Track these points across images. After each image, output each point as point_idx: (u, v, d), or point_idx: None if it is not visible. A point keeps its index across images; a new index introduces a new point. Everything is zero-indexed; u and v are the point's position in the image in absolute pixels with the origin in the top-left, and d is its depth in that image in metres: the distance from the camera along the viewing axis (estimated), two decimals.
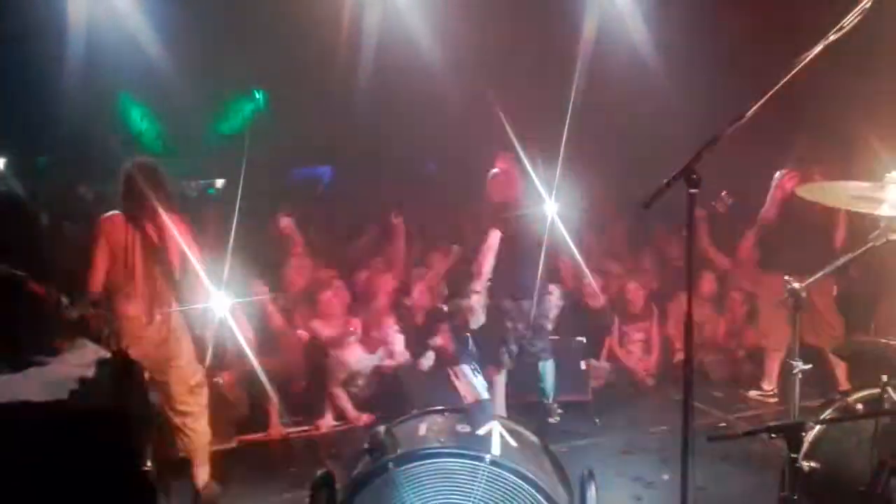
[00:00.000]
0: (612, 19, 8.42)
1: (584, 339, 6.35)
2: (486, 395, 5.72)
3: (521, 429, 2.97)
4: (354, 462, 2.85)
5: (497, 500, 2.55)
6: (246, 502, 4.65)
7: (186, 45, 9.10)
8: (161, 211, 4.28)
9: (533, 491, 2.56)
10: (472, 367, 6.08)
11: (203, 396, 4.52)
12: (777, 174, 5.82)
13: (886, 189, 2.76)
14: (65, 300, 3.87)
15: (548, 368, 5.70)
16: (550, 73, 9.03)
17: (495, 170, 5.59)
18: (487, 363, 5.68)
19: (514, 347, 5.53)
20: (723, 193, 6.70)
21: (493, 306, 5.62)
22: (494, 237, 5.43)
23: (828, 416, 3.33)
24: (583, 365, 6.24)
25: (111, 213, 4.28)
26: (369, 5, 8.50)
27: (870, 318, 5.35)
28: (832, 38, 2.44)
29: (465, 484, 2.56)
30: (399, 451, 2.66)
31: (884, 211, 2.90)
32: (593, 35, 8.68)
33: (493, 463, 2.58)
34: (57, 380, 2.09)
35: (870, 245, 3.36)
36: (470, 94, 8.79)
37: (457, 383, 6.05)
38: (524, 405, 5.65)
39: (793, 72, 2.46)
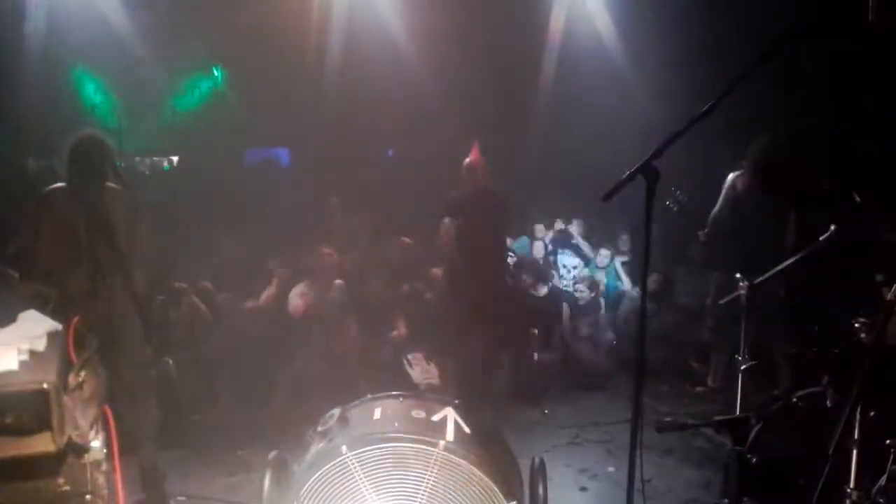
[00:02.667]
0: (580, 15, 8.49)
1: (535, 331, 6.42)
2: (438, 381, 5.81)
3: (474, 416, 2.98)
4: (307, 445, 2.83)
5: (449, 486, 2.57)
6: (194, 483, 4.60)
7: (146, 19, 8.91)
8: (108, 185, 4.19)
9: (485, 477, 2.58)
10: (425, 353, 6.15)
11: (150, 375, 4.45)
12: (730, 175, 5.93)
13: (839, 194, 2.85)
14: (13, 273, 3.79)
15: (501, 356, 5.76)
16: (516, 65, 9.10)
17: (467, 160, 5.79)
18: (443, 349, 5.73)
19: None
20: (677, 192, 6.80)
21: (452, 293, 5.67)
22: (451, 225, 5.55)
23: (771, 412, 3.42)
24: (535, 355, 6.30)
25: (56, 185, 4.18)
26: None
27: (813, 320, 5.50)
28: (788, 41, 2.49)
29: (418, 469, 2.57)
30: (353, 435, 2.66)
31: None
32: (560, 28, 8.75)
33: (447, 449, 2.59)
34: (5, 351, 2.04)
35: (818, 246, 3.47)
36: (436, 83, 8.79)
37: (410, 371, 6.11)
38: (476, 393, 5.68)
39: (750, 70, 2.51)
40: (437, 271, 6.52)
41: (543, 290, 6.81)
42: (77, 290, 4.08)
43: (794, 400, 3.44)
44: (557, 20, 8.80)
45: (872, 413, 2.74)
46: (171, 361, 5.42)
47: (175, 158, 11.78)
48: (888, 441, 2.80)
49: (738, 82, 2.43)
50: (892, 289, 2.67)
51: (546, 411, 5.89)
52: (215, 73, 11.25)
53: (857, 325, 2.91)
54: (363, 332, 6.18)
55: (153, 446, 4.44)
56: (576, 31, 8.65)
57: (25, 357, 2.09)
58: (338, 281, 6.09)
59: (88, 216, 4.10)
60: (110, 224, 4.15)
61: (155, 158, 11.63)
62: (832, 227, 3.23)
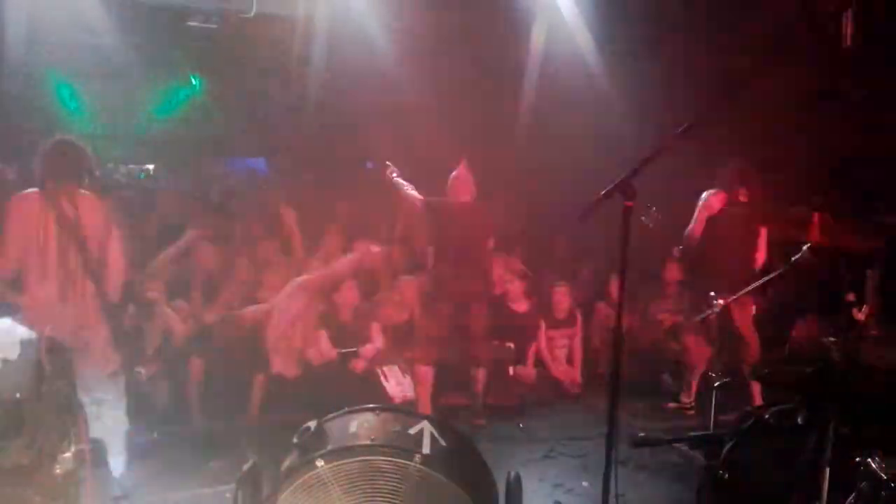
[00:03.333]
0: (561, 33, 8.56)
1: (512, 345, 6.44)
2: (412, 394, 5.81)
3: (450, 429, 2.98)
4: (282, 457, 2.81)
5: (425, 499, 2.56)
6: (166, 494, 4.53)
7: (124, 26, 8.85)
8: (80, 191, 4.15)
9: (461, 491, 2.58)
10: (401, 366, 6.15)
11: (120, 385, 4.40)
12: (704, 193, 6.00)
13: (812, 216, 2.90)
14: None
15: (478, 371, 5.77)
16: (497, 83, 9.15)
17: (454, 173, 5.86)
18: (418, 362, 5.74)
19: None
20: (652, 209, 6.87)
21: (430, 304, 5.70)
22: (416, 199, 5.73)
23: (744, 429, 3.46)
24: (511, 370, 6.32)
25: (27, 190, 4.14)
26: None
27: (785, 338, 5.58)
28: (767, 64, 2.55)
29: (395, 482, 2.56)
30: (329, 448, 2.64)
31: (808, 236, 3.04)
32: (541, 45, 8.82)
33: (423, 462, 2.59)
34: None
35: (789, 267, 3.53)
36: (417, 95, 8.81)
37: (385, 383, 6.11)
38: (452, 407, 5.69)
39: (728, 92, 2.56)
40: (409, 279, 6.52)
41: (524, 306, 6.83)
42: (47, 298, 4.03)
43: (767, 417, 3.49)
44: (538, 37, 8.87)
45: (843, 430, 2.79)
46: (142, 371, 5.36)
47: (151, 167, 11.69)
48: (858, 458, 2.84)
49: (712, 110, 2.48)
50: (863, 308, 2.73)
51: (521, 425, 5.89)
52: (193, 81, 11.19)
53: (827, 343, 2.96)
54: (338, 343, 6.15)
55: (123, 457, 4.39)
56: (555, 49, 8.72)
57: None
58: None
59: (60, 223, 4.06)
60: (82, 231, 4.11)
61: (131, 166, 11.53)
62: (804, 248, 3.28)
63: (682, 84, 6.89)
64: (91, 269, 4.14)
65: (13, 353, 2.14)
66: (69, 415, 2.50)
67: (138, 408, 4.90)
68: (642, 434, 5.80)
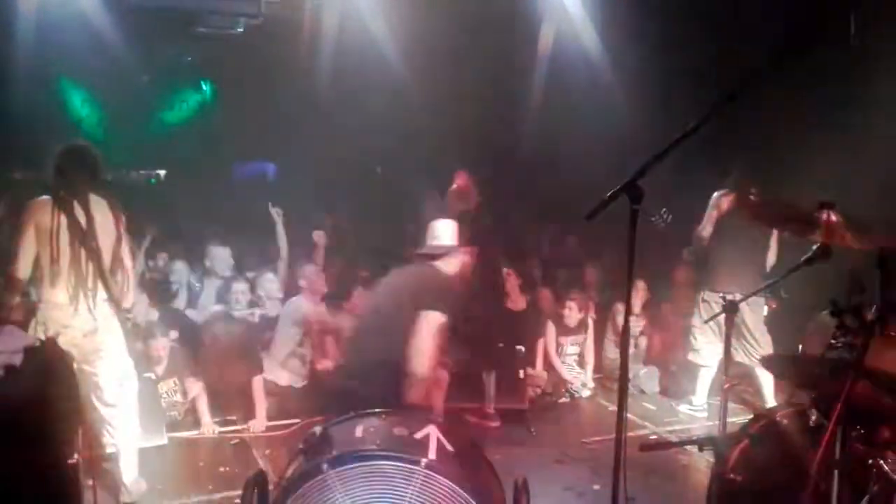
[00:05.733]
0: (568, 34, 8.55)
1: (522, 348, 6.41)
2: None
3: (457, 433, 2.97)
4: (289, 462, 2.80)
5: None
6: (174, 500, 4.54)
7: (134, 32, 8.90)
8: (92, 197, 4.16)
9: (467, 496, 2.56)
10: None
11: (132, 390, 4.42)
12: (714, 194, 5.97)
13: (821, 214, 2.88)
14: None
15: (490, 377, 5.76)
16: (506, 87, 9.15)
17: (454, 186, 5.93)
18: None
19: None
20: (662, 210, 6.86)
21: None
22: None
23: (754, 431, 3.43)
24: (521, 374, 6.29)
25: (40, 197, 4.15)
26: (327, 5, 8.42)
27: (798, 337, 5.53)
28: (775, 63, 2.53)
29: (401, 487, 2.54)
30: (334, 453, 2.63)
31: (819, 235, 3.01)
32: (548, 49, 8.81)
33: (429, 467, 2.57)
34: None
35: (801, 266, 3.49)
36: (426, 100, 8.83)
37: None
38: (462, 410, 5.67)
39: (735, 93, 2.54)
40: None
41: (521, 304, 6.79)
42: (57, 303, 4.04)
43: (778, 418, 3.45)
44: (546, 39, 8.87)
45: (855, 432, 2.76)
46: (153, 375, 5.38)
47: (162, 172, 11.76)
48: (870, 460, 2.81)
49: (721, 106, 2.45)
50: (873, 309, 2.69)
51: (532, 429, 5.86)
52: (204, 86, 11.25)
53: (837, 344, 2.92)
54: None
55: (133, 461, 4.40)
56: (563, 51, 8.71)
57: (0, 373, 2.06)
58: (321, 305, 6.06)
59: (72, 229, 4.08)
60: (94, 237, 4.12)
61: (142, 172, 11.60)
62: (814, 247, 3.25)
63: (691, 84, 6.86)
64: (102, 274, 4.15)
65: (17, 360, 2.15)
66: (76, 421, 2.50)
67: (149, 413, 4.92)
68: (653, 437, 5.78)
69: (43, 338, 2.77)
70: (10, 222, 4.23)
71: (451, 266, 3.92)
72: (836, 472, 2.67)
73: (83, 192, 4.15)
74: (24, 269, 4.03)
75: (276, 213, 6.91)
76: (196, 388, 5.55)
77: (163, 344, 5.44)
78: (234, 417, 5.73)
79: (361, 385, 3.50)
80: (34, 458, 1.97)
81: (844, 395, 2.44)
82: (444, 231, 3.94)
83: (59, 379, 2.42)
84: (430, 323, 3.53)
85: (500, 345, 6.05)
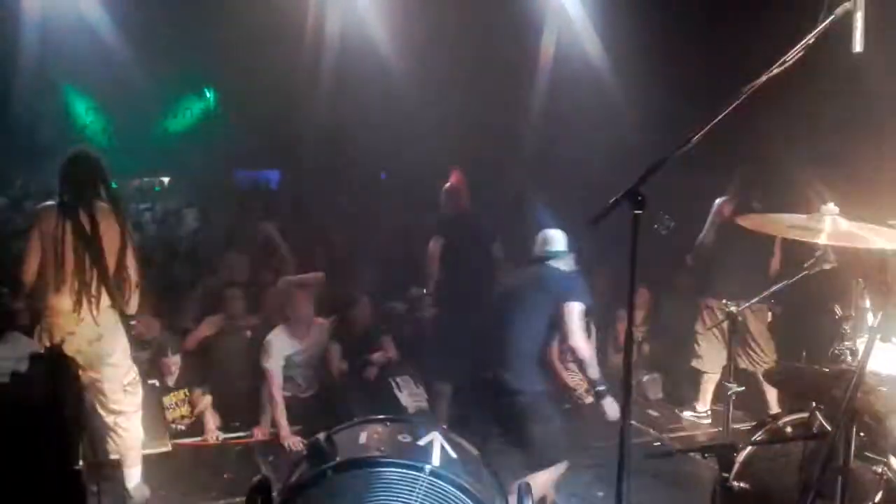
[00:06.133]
0: (570, 39, 8.58)
1: None
2: (425, 405, 5.79)
3: (461, 440, 2.97)
4: (292, 469, 2.80)
5: None
6: None
7: (139, 40, 8.95)
8: (98, 203, 4.18)
9: (471, 503, 2.56)
10: (414, 376, 6.13)
11: (136, 396, 4.42)
12: (717, 200, 5.97)
13: (823, 220, 2.87)
14: (3, 290, 3.77)
15: None
16: (508, 91, 9.17)
17: (448, 184, 5.88)
18: (430, 372, 5.73)
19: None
20: (665, 217, 6.84)
21: (437, 316, 5.69)
22: (436, 247, 5.69)
23: (758, 438, 3.42)
24: None
25: (46, 203, 4.17)
26: (330, 11, 8.46)
27: (801, 346, 5.52)
28: (776, 70, 2.54)
29: (404, 494, 2.54)
30: (338, 459, 2.63)
31: (822, 240, 3.00)
32: (551, 51, 8.84)
33: (433, 473, 2.57)
34: None
35: (804, 273, 3.49)
36: (429, 106, 8.84)
37: (398, 393, 6.09)
38: (463, 416, 5.66)
39: (737, 101, 2.55)
40: (416, 291, 6.56)
41: None
42: (62, 310, 4.05)
43: (782, 425, 3.45)
44: (548, 44, 8.89)
45: (860, 438, 2.75)
46: (156, 383, 5.38)
47: (165, 179, 11.80)
48: (874, 468, 2.80)
49: (725, 113, 2.46)
50: (878, 316, 2.69)
51: None
52: (207, 94, 11.30)
53: (839, 351, 2.93)
54: (349, 354, 6.15)
55: (138, 468, 4.40)
56: (565, 56, 8.73)
57: (5, 380, 2.07)
58: (319, 321, 5.97)
59: (76, 235, 4.09)
60: (99, 243, 4.13)
61: (145, 179, 11.64)
62: (817, 254, 3.25)
63: (693, 90, 6.86)
64: (106, 281, 4.16)
65: (22, 366, 2.15)
66: (78, 430, 2.51)
67: (153, 419, 4.93)
68: (657, 443, 5.77)
69: (48, 344, 2.77)
70: (19, 228, 4.23)
71: (564, 266, 4.39)
72: (839, 479, 2.67)
73: (89, 198, 4.16)
74: (28, 274, 4.04)
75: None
76: (204, 401, 5.54)
77: (174, 361, 5.46)
78: (237, 424, 5.72)
79: (510, 374, 4.08)
80: (40, 464, 1.97)
81: (847, 401, 2.43)
82: (559, 238, 4.42)
83: (65, 385, 2.43)
84: (577, 311, 4.11)
85: None
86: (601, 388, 4.17)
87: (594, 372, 4.20)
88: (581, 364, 4.23)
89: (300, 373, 5.73)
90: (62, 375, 2.36)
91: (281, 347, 5.55)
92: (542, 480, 4.14)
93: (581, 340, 4.13)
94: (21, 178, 8.69)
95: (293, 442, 5.37)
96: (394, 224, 8.38)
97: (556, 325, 4.15)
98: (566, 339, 4.15)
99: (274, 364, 5.48)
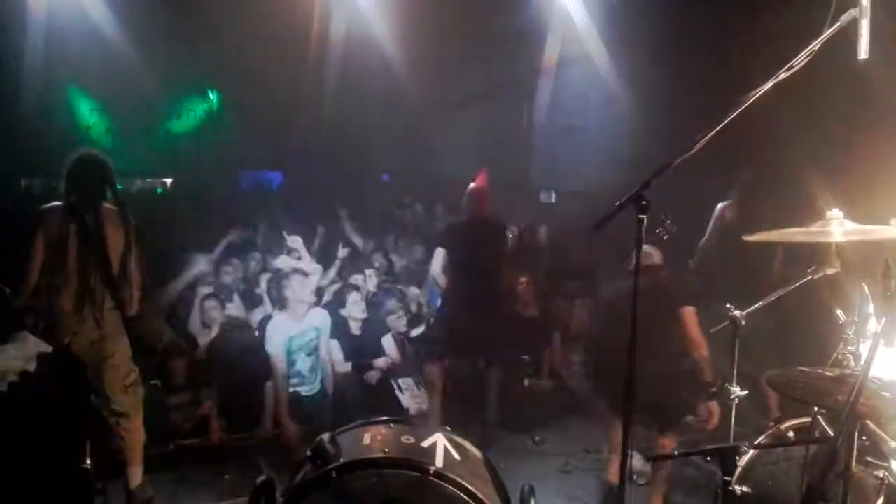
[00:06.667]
0: (574, 45, 8.60)
1: (527, 357, 6.41)
2: (426, 407, 5.80)
3: (464, 442, 2.98)
4: (296, 470, 2.81)
5: None
6: None
7: (142, 41, 8.98)
8: (103, 205, 4.19)
9: None
10: (416, 378, 6.14)
11: (138, 397, 4.42)
12: (718, 205, 5.97)
13: (830, 226, 2.89)
14: (7, 290, 3.78)
15: (493, 382, 5.77)
16: (512, 97, 9.20)
17: (472, 185, 5.84)
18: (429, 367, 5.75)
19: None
20: (667, 221, 6.83)
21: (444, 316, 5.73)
22: (441, 252, 5.68)
23: (761, 442, 3.43)
24: (526, 382, 6.30)
25: (51, 204, 4.18)
26: (335, 14, 8.49)
27: (804, 350, 5.52)
28: (782, 76, 2.55)
29: (409, 495, 2.55)
30: (342, 460, 2.64)
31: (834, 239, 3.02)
32: (555, 57, 8.86)
33: (437, 475, 2.58)
34: None
35: (808, 278, 3.50)
36: (432, 108, 8.86)
37: (400, 395, 6.10)
38: (466, 419, 5.67)
39: (741, 108, 2.56)
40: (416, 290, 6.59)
41: (534, 310, 6.81)
42: (64, 311, 4.06)
43: (784, 429, 3.46)
44: (552, 50, 8.92)
45: (861, 442, 2.76)
46: (158, 383, 5.39)
47: (168, 181, 11.81)
48: (876, 473, 2.81)
49: (728, 120, 2.47)
50: (881, 321, 2.70)
51: (537, 439, 5.86)
52: (210, 95, 11.32)
53: (842, 356, 2.94)
54: (350, 357, 6.16)
55: (140, 468, 4.41)
56: (570, 62, 8.76)
57: (15, 379, 2.08)
58: (320, 310, 6.00)
59: (81, 236, 4.10)
60: (103, 245, 4.14)
61: (148, 180, 11.66)
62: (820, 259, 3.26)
63: (696, 94, 6.88)
64: (110, 283, 4.17)
65: (31, 366, 2.16)
66: (86, 426, 2.52)
67: (155, 420, 4.93)
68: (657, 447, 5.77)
69: (55, 345, 2.78)
70: (25, 229, 4.23)
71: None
72: (842, 483, 2.67)
73: (94, 200, 4.18)
74: (32, 274, 4.05)
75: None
76: (208, 402, 5.55)
77: (181, 364, 5.47)
78: (240, 423, 5.72)
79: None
80: (47, 462, 1.98)
81: (850, 406, 2.44)
82: (654, 252, 4.67)
83: (71, 385, 2.44)
84: (693, 314, 4.52)
85: (504, 353, 6.06)
86: (713, 390, 4.41)
87: (709, 374, 4.43)
88: (700, 363, 4.43)
89: (301, 359, 5.71)
90: (69, 376, 2.37)
91: (281, 329, 5.56)
92: (667, 441, 4.43)
93: (704, 348, 4.44)
94: (25, 179, 8.70)
95: (295, 437, 5.35)
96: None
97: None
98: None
99: (275, 348, 5.49)
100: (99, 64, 9.21)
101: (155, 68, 9.63)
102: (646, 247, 4.58)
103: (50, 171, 4.34)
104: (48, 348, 2.25)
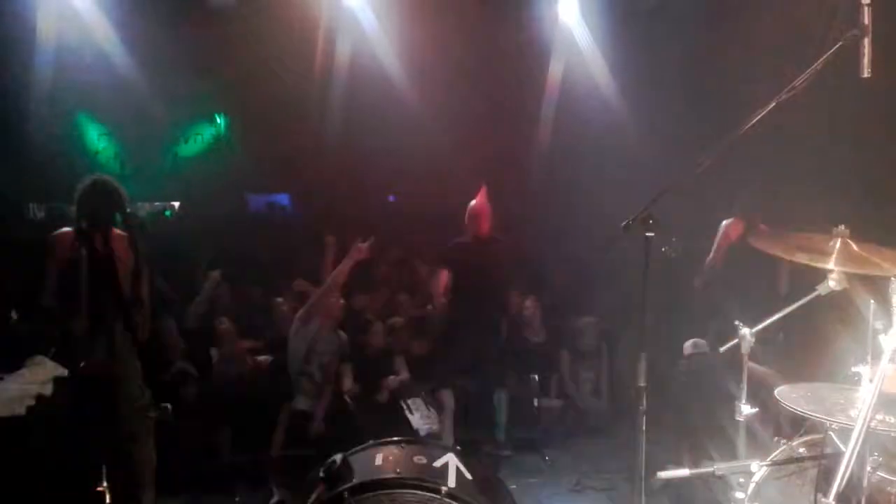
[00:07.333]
0: (579, 63, 8.65)
1: (536, 377, 6.41)
2: (437, 427, 5.80)
3: (476, 462, 2.99)
4: (309, 490, 2.82)
5: None
6: None
7: (150, 67, 9.07)
8: (114, 230, 4.23)
9: None
10: (426, 398, 6.14)
11: (148, 420, 4.43)
12: (723, 223, 5.98)
13: (834, 243, 2.90)
14: (13, 315, 3.81)
15: (501, 402, 5.76)
16: (516, 115, 9.24)
17: (472, 203, 5.84)
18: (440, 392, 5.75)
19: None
20: (673, 239, 6.85)
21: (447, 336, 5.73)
22: (444, 274, 5.71)
23: (772, 459, 3.42)
24: (535, 402, 6.29)
25: (63, 229, 4.22)
26: (340, 38, 8.57)
27: (815, 367, 5.50)
28: (784, 97, 2.58)
29: None
30: (355, 481, 2.65)
31: (830, 265, 3.04)
32: (559, 76, 8.91)
33: (449, 495, 2.59)
34: (14, 396, 2.05)
35: (816, 294, 3.51)
36: (438, 130, 8.91)
37: (410, 416, 6.10)
38: (476, 439, 5.67)
39: (746, 126, 2.59)
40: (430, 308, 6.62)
41: (542, 335, 6.81)
42: (76, 335, 4.08)
43: (796, 446, 3.45)
44: (557, 67, 8.98)
45: (874, 459, 2.75)
46: (169, 406, 5.39)
47: (176, 204, 11.87)
48: (889, 489, 2.80)
49: (734, 140, 2.51)
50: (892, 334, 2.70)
51: (547, 458, 5.84)
52: (217, 119, 11.41)
53: (853, 372, 2.94)
54: (362, 376, 6.17)
55: (151, 491, 4.41)
56: (574, 81, 8.81)
57: (32, 402, 2.10)
58: (340, 333, 6.04)
59: (92, 261, 4.13)
60: (114, 270, 4.18)
61: (156, 204, 11.72)
62: (828, 276, 3.27)
63: (703, 112, 6.91)
64: (120, 307, 4.20)
65: (47, 389, 2.19)
66: (101, 450, 2.54)
67: (166, 441, 4.93)
68: (670, 465, 5.74)
69: (69, 369, 2.80)
70: (32, 254, 4.28)
71: None
72: (854, 500, 2.67)
73: (105, 225, 4.22)
74: (44, 299, 4.08)
75: None
76: (222, 431, 5.56)
77: (192, 388, 5.49)
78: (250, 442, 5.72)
79: None
80: (65, 485, 2.00)
81: (861, 423, 2.44)
82: None
83: (86, 409, 2.45)
84: None
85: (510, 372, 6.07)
86: None
87: None
88: None
89: (315, 359, 5.80)
90: (84, 399, 2.39)
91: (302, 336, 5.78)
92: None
93: None
94: (34, 204, 8.76)
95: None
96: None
97: None
98: None
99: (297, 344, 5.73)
100: (107, 89, 9.29)
101: (163, 93, 9.71)
102: None
103: (59, 196, 4.37)
104: (64, 372, 2.28)
